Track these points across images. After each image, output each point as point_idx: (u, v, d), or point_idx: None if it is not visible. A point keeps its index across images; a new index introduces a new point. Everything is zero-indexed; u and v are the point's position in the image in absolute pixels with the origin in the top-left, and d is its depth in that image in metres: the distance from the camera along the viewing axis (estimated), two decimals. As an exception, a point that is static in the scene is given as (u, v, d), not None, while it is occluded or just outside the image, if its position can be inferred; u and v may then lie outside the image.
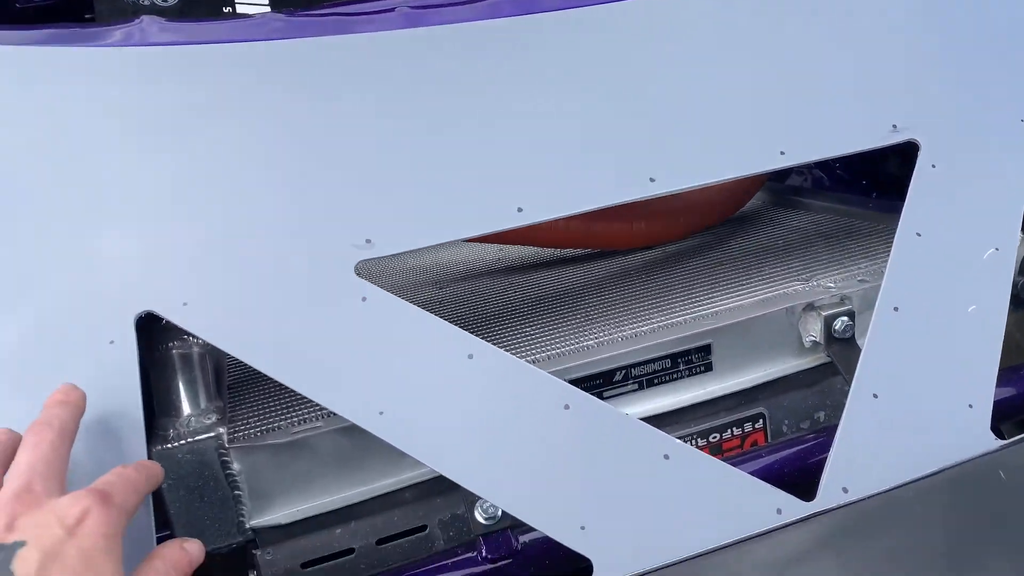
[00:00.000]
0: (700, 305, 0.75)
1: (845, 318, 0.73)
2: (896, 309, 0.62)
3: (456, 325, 0.77)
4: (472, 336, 0.57)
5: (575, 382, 0.69)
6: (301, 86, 0.64)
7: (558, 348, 0.71)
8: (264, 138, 0.61)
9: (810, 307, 0.75)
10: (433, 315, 0.57)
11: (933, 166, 0.69)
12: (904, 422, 0.58)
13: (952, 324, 0.63)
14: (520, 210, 0.62)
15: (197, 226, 0.57)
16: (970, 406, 0.59)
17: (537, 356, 0.69)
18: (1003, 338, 0.63)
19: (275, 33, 0.66)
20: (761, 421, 0.75)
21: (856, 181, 1.06)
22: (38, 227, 0.56)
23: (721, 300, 0.76)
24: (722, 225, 1.03)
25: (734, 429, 0.74)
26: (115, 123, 0.60)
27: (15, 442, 0.47)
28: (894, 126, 0.70)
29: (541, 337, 0.74)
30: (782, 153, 0.67)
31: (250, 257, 0.57)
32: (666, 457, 0.55)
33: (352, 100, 0.64)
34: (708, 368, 0.73)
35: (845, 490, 0.55)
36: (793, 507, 0.54)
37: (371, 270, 1.07)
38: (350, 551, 0.65)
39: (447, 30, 0.68)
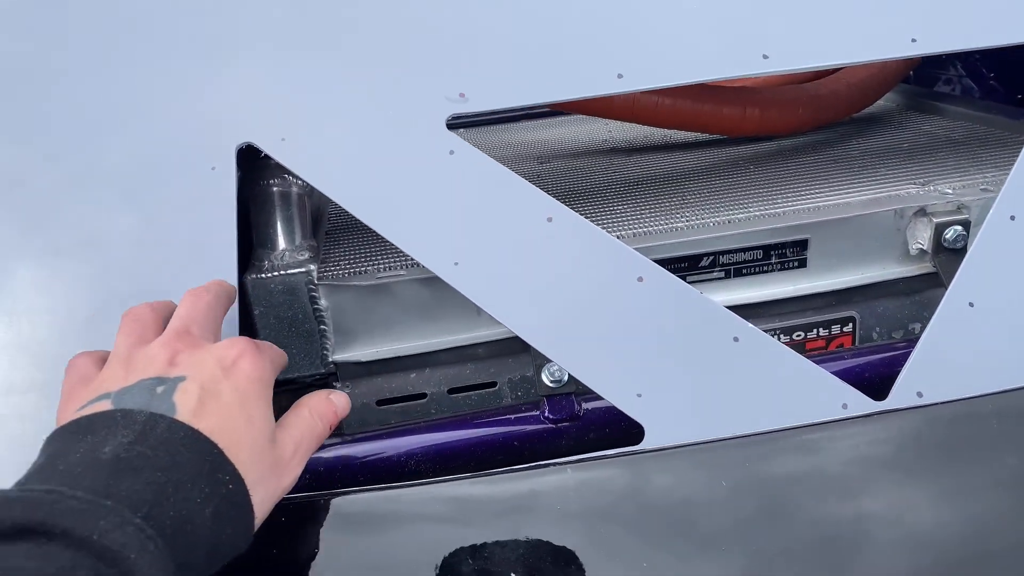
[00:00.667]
0: (803, 199, 0.72)
1: (959, 227, 0.69)
2: (1013, 218, 0.58)
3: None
4: (553, 200, 0.57)
5: (659, 263, 0.69)
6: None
7: (647, 227, 0.70)
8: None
9: (922, 212, 0.70)
10: (517, 176, 0.57)
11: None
12: (998, 334, 0.55)
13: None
14: (620, 76, 0.60)
15: (299, 65, 0.59)
16: (1076, 326, 0.55)
17: (623, 232, 0.69)
18: None
19: None
20: (851, 324, 0.72)
21: (1001, 87, 0.97)
22: (152, 53, 0.58)
23: (827, 196, 0.72)
24: (846, 123, 0.97)
25: (820, 329, 0.72)
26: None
27: (172, 308, 0.49)
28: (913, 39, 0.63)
29: (632, 215, 0.73)
30: (913, 40, 0.62)
31: (346, 100, 0.58)
32: (735, 339, 0.55)
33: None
34: (802, 264, 0.71)
35: (920, 394, 0.53)
36: (860, 404, 0.53)
37: (479, 141, 1.08)
38: (423, 395, 0.69)
39: None
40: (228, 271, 0.55)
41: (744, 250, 0.69)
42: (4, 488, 0.36)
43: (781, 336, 0.71)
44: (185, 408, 0.40)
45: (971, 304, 0.56)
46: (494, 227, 0.56)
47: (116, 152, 0.58)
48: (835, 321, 0.72)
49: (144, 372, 0.42)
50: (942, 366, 0.54)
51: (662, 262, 0.68)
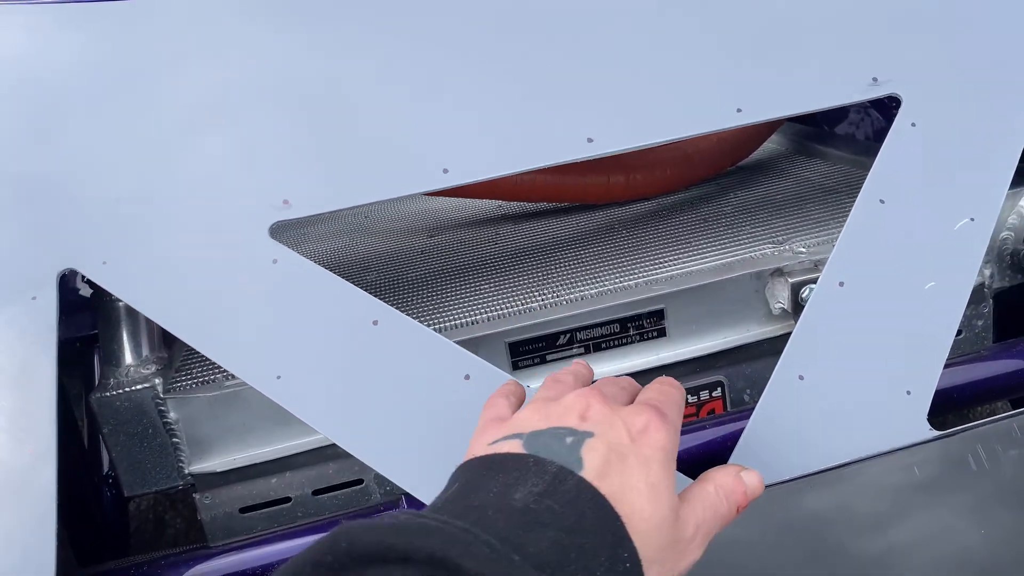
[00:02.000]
0: (660, 267, 0.72)
1: (814, 286, 0.69)
2: (842, 284, 0.58)
3: (407, 281, 0.78)
4: (378, 302, 0.56)
5: (517, 344, 0.69)
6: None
7: (505, 309, 0.69)
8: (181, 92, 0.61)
9: (779, 272, 0.70)
10: (342, 280, 0.57)
11: (913, 124, 0.63)
12: (829, 408, 0.55)
13: (903, 304, 0.58)
14: (446, 171, 0.60)
15: (122, 183, 0.58)
16: (908, 393, 0.55)
17: (479, 317, 0.69)
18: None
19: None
20: (719, 389, 0.72)
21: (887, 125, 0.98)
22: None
23: (685, 262, 0.73)
24: (730, 173, 0.97)
25: (689, 397, 0.72)
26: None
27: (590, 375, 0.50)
28: (874, 79, 0.64)
29: (496, 295, 0.73)
30: (739, 111, 0.63)
31: (165, 218, 0.58)
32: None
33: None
34: (662, 333, 0.70)
35: (749, 476, 0.53)
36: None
37: (374, 211, 1.08)
38: (287, 499, 0.68)
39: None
40: (47, 402, 0.54)
41: (600, 325, 0.69)
42: (423, 512, 0.36)
43: (650, 406, 0.71)
44: (591, 465, 0.38)
45: (801, 377, 0.56)
46: (318, 336, 0.56)
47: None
48: (703, 387, 0.72)
49: (558, 421, 0.41)
50: (772, 445, 0.54)
51: (521, 343, 0.69)
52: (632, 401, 0.45)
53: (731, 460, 0.53)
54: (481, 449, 0.41)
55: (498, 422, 0.44)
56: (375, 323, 0.56)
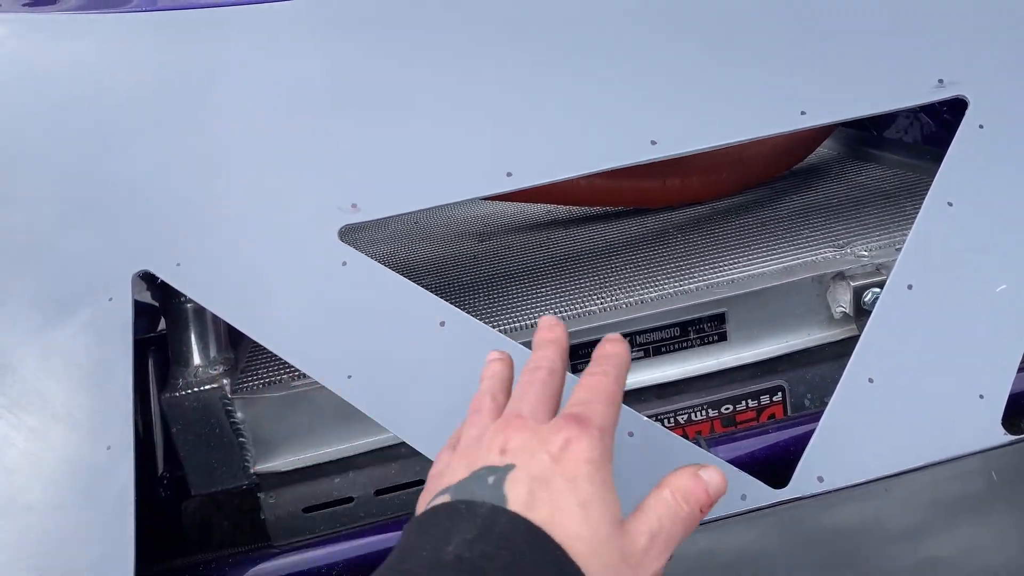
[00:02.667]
0: (720, 271, 0.72)
1: (876, 290, 0.68)
2: (910, 287, 0.57)
3: (461, 286, 0.78)
4: (446, 304, 0.57)
5: (575, 348, 0.69)
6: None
7: (565, 311, 0.70)
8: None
9: (840, 276, 0.70)
10: (410, 283, 0.57)
11: (980, 127, 0.63)
12: (900, 411, 0.54)
13: (974, 306, 0.57)
14: (509, 175, 0.60)
15: (192, 189, 0.60)
16: (981, 397, 0.54)
17: (535, 321, 0.69)
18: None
19: None
20: (780, 394, 0.72)
21: (942, 131, 0.97)
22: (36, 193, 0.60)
23: (745, 266, 0.72)
24: (783, 178, 0.97)
25: (749, 401, 0.71)
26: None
27: (509, 373, 0.48)
28: (940, 80, 0.64)
29: (553, 298, 0.73)
30: (803, 113, 0.63)
31: (237, 221, 0.59)
32: (630, 434, 0.54)
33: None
34: (723, 337, 0.70)
35: (820, 479, 0.52)
36: (759, 494, 0.52)
37: (427, 218, 1.09)
38: (349, 500, 0.69)
39: None
40: (124, 400, 0.56)
41: (660, 328, 0.69)
42: None
43: (710, 411, 0.71)
44: (516, 498, 0.38)
45: (871, 380, 0.55)
46: (387, 337, 0.56)
47: (21, 287, 0.59)
48: (763, 392, 0.71)
49: (480, 462, 0.40)
50: (844, 447, 0.53)
51: (579, 347, 0.69)
52: (557, 405, 0.44)
53: (800, 464, 0.53)
54: (422, 510, 0.40)
55: (436, 478, 0.44)
56: (442, 324, 0.57)
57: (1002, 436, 0.54)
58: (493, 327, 0.69)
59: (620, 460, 0.53)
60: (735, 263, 0.73)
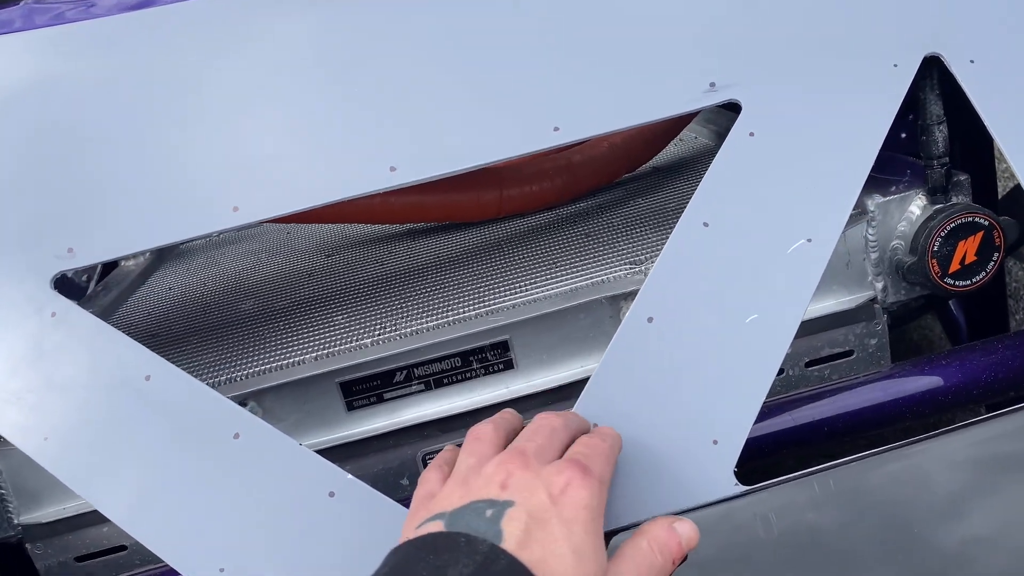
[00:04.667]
0: (506, 295, 0.68)
1: (667, 311, 0.63)
2: (650, 320, 0.53)
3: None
4: (152, 355, 0.53)
5: (351, 383, 0.66)
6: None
7: (333, 347, 0.66)
8: None
9: (634, 296, 0.65)
10: (116, 331, 0.54)
11: (751, 134, 0.57)
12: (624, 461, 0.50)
13: (719, 339, 0.52)
14: (236, 209, 0.57)
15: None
16: (715, 442, 0.50)
17: (306, 357, 0.65)
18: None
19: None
20: (577, 422, 0.67)
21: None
22: None
23: (532, 289, 0.68)
24: (634, 180, 0.91)
25: (544, 431, 0.67)
26: None
27: (517, 424, 0.49)
28: (712, 84, 0.58)
29: (338, 328, 0.70)
30: (556, 129, 0.58)
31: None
32: (331, 495, 0.50)
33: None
34: (509, 365, 0.66)
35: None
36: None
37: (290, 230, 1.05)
38: (122, 548, 0.66)
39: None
40: None
41: (439, 360, 0.65)
42: None
43: (504, 442, 0.67)
44: (511, 537, 0.38)
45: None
46: (87, 393, 0.53)
47: None
48: (559, 420, 0.67)
49: (478, 493, 0.41)
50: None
51: (353, 382, 0.65)
52: (565, 448, 0.44)
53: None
54: (411, 533, 0.40)
55: (426, 500, 0.43)
56: (147, 378, 0.53)
57: (733, 488, 0.49)
58: (256, 368, 0.66)
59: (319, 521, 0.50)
60: (525, 286, 0.68)
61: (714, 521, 0.49)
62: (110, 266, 1.07)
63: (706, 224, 0.55)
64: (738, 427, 0.50)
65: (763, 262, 0.54)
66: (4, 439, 0.62)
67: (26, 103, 0.59)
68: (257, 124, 0.58)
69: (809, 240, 0.54)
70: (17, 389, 0.54)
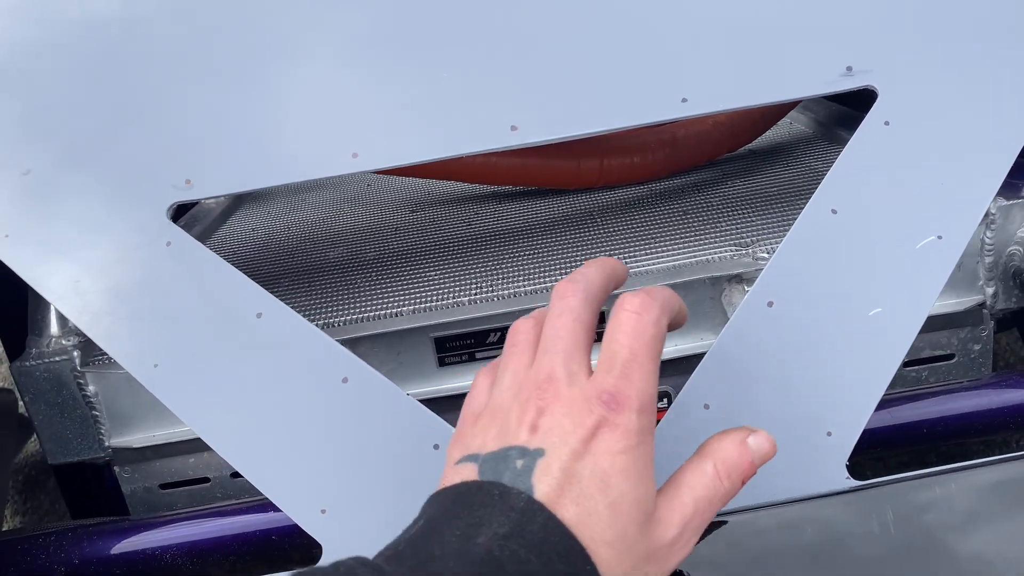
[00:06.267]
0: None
1: (770, 297, 0.62)
2: (771, 304, 0.52)
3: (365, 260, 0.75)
4: (266, 294, 0.54)
5: (445, 339, 0.65)
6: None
7: (430, 302, 0.66)
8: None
9: (737, 279, 0.64)
10: (233, 269, 0.54)
11: (886, 123, 0.55)
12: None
13: (840, 330, 0.51)
14: (355, 155, 0.56)
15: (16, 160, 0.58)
16: (829, 434, 0.49)
17: (403, 309, 0.65)
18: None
19: None
20: (665, 400, 0.67)
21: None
22: None
23: (635, 262, 0.67)
24: (731, 160, 0.90)
25: (630, 406, 0.67)
26: None
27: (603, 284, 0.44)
28: (849, 68, 0.56)
29: (437, 283, 0.69)
30: (684, 100, 0.56)
31: (70, 193, 0.57)
32: (436, 447, 0.50)
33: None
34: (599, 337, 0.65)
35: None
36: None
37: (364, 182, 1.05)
38: (205, 480, 0.67)
39: None
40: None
41: (533, 325, 0.65)
42: (378, 564, 0.34)
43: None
44: (543, 491, 0.35)
45: (707, 406, 0.50)
46: (198, 324, 0.54)
47: None
48: (647, 397, 0.66)
49: (510, 438, 0.37)
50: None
51: (446, 339, 0.65)
52: (590, 344, 0.40)
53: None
54: (450, 468, 0.38)
55: (472, 421, 0.40)
56: (259, 315, 0.54)
57: (844, 482, 0.48)
58: (350, 316, 0.66)
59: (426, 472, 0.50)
60: (620, 259, 0.68)
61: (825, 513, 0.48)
62: (185, 206, 1.08)
63: (834, 211, 0.53)
64: (854, 421, 0.49)
65: (890, 255, 0.52)
66: (102, 363, 0.63)
67: (158, 29, 0.59)
68: (382, 72, 0.58)
69: (939, 237, 0.53)
70: (129, 315, 0.54)
